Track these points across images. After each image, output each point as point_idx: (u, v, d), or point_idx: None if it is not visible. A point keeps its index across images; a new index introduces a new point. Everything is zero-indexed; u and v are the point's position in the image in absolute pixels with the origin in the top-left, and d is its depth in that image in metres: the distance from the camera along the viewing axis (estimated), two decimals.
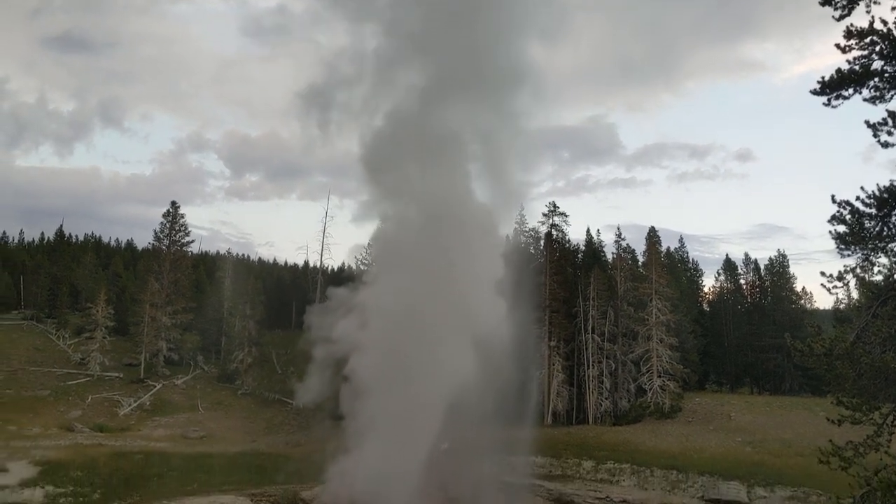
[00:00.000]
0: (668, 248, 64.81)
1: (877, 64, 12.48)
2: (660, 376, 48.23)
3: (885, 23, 12.09)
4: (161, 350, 56.16)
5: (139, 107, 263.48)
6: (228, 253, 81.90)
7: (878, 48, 12.33)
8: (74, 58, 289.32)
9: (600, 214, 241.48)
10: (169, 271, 57.39)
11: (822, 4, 12.44)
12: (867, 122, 12.48)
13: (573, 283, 52.89)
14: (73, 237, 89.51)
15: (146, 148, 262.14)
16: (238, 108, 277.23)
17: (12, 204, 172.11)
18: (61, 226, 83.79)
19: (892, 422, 12.66)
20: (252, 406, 52.92)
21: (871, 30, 12.19)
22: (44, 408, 46.43)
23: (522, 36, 31.11)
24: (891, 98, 12.49)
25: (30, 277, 71.43)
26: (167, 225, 59.06)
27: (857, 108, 13.02)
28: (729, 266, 66.97)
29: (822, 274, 13.07)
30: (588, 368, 50.53)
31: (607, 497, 31.65)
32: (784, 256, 64.53)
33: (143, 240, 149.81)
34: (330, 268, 68.54)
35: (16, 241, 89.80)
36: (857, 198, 12.72)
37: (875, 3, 12.08)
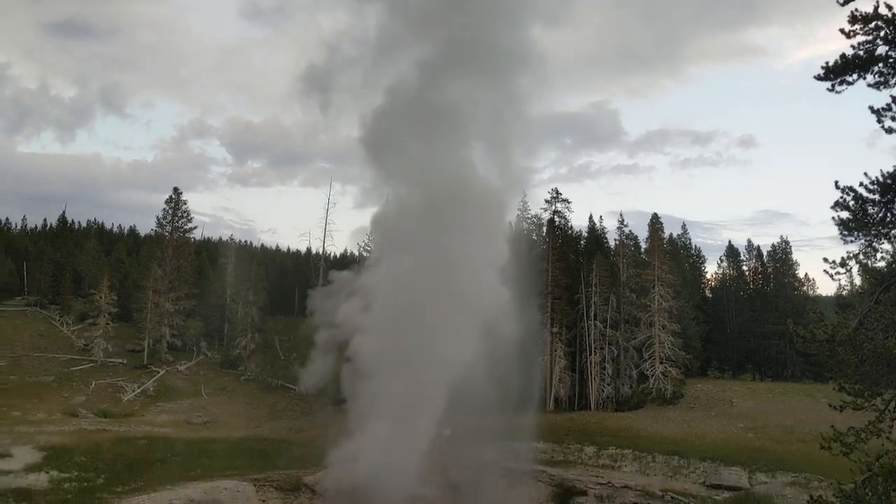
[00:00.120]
0: (670, 235, 64.84)
1: (881, 49, 12.41)
2: (662, 362, 48.30)
3: (889, 7, 12.00)
4: (164, 336, 56.34)
5: (141, 93, 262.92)
6: (231, 239, 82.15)
7: (882, 33, 12.25)
8: (76, 44, 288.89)
9: (603, 201, 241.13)
10: (172, 257, 57.46)
11: None
12: (871, 108, 12.43)
13: (575, 270, 52.91)
14: (76, 223, 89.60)
15: (148, 134, 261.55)
16: (239, 94, 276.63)
17: (15, 190, 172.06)
18: (64, 212, 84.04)
19: (894, 408, 12.67)
20: (255, 392, 53.12)
21: (876, 14, 12.11)
22: (48, 393, 46.64)
23: (526, 19, 30.93)
24: (895, 83, 12.43)
25: (33, 264, 71.53)
26: (170, 211, 59.11)
27: (862, 93, 12.95)
28: (731, 252, 66.89)
29: (825, 260, 13.02)
30: (590, 355, 50.63)
31: (609, 482, 31.71)
32: (787, 243, 64.52)
33: (146, 226, 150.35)
34: (332, 254, 68.51)
35: (19, 227, 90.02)
36: (861, 184, 12.67)
37: None
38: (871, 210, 12.69)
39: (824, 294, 71.50)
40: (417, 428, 27.00)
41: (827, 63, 12.76)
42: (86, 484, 28.12)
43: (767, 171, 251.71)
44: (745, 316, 62.06)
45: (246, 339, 57.28)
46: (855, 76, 12.67)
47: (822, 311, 16.11)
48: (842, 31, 12.50)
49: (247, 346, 56.99)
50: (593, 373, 50.16)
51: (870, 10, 12.08)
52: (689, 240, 69.08)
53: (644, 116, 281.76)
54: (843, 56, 12.61)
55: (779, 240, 65.85)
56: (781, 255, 64.30)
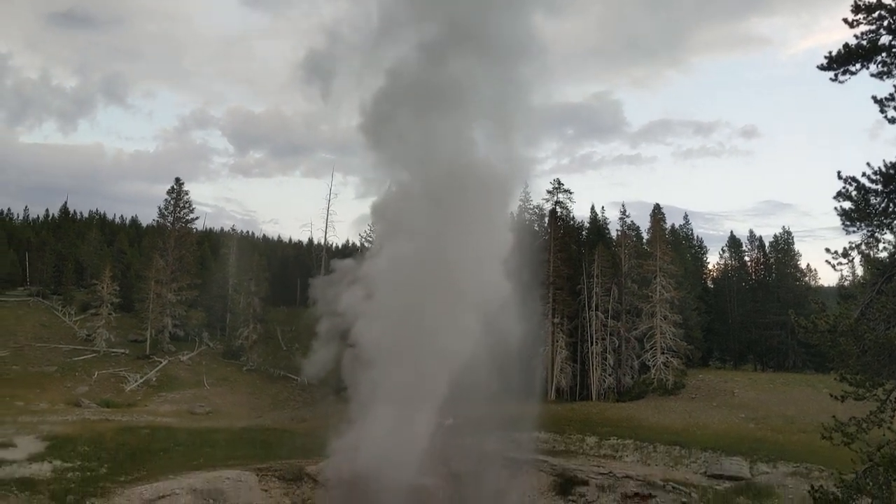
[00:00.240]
0: (672, 226, 64.67)
1: (885, 38, 12.37)
2: (663, 353, 48.34)
3: None
4: (166, 326, 56.46)
5: (142, 83, 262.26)
6: (233, 230, 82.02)
7: (886, 22, 12.21)
8: (77, 34, 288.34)
9: (605, 191, 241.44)
10: (174, 248, 57.48)
11: None
12: (874, 98, 12.39)
13: (577, 261, 52.89)
14: (78, 214, 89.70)
15: (150, 125, 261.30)
16: (241, 84, 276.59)
17: (17, 181, 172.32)
18: (66, 203, 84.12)
19: None
20: (257, 382, 53.25)
21: (880, 4, 12.07)
22: (50, 383, 46.77)
23: (527, 6, 30.74)
24: None
25: (35, 254, 71.65)
26: (171, 202, 59.07)
27: (865, 83, 12.92)
28: (733, 243, 66.86)
29: (827, 250, 13.01)
30: (592, 345, 50.68)
31: (610, 472, 31.78)
32: (789, 233, 64.50)
33: (148, 217, 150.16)
34: (334, 245, 68.66)
35: (21, 217, 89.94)
36: (864, 174, 12.64)
37: None
38: (873, 200, 12.66)
39: (826, 285, 71.54)
40: (419, 417, 27.04)
41: (830, 53, 12.74)
42: (89, 473, 28.26)
43: (770, 161, 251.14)
44: (746, 306, 62.10)
45: (248, 329, 57.35)
46: (858, 66, 12.64)
47: (823, 301, 16.11)
48: (845, 20, 12.46)
49: (249, 337, 57.07)
50: (595, 363, 50.21)
51: None
52: (691, 230, 69.11)
53: (646, 107, 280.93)
54: (846, 46, 12.57)
55: (781, 230, 65.84)
56: (783, 245, 64.28)
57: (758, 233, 74.13)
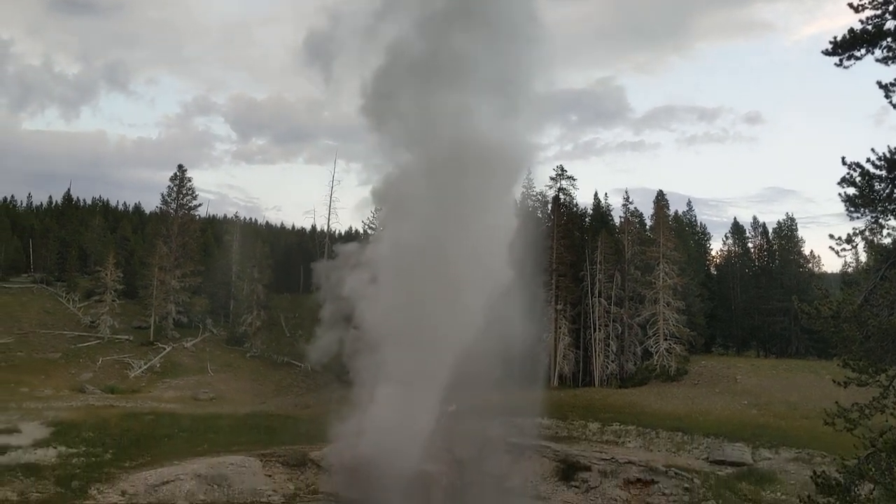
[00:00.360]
0: (675, 212, 64.39)
1: (890, 23, 12.28)
2: (666, 339, 48.37)
3: None
4: (170, 313, 56.53)
5: (144, 70, 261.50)
6: (236, 217, 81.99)
7: (891, 7, 12.13)
8: (80, 21, 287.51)
9: (608, 178, 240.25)
10: (177, 235, 57.47)
11: None
12: (879, 83, 12.32)
13: (580, 247, 52.88)
14: (81, 201, 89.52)
15: (152, 111, 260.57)
16: (243, 71, 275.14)
17: (20, 168, 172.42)
18: (69, 189, 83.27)
19: None
20: (261, 368, 53.38)
21: None
22: (55, 370, 46.94)
23: None
24: None
25: (39, 241, 71.68)
26: (174, 188, 59.01)
27: (870, 68, 12.84)
28: (737, 229, 66.66)
29: (831, 237, 12.97)
30: (595, 332, 50.75)
31: (613, 458, 31.90)
32: (792, 220, 64.22)
33: (151, 203, 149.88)
34: (337, 231, 68.59)
35: (24, 204, 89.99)
36: (868, 160, 12.58)
37: None
38: (877, 186, 12.62)
39: (829, 271, 71.53)
40: (422, 401, 27.10)
41: (835, 38, 12.66)
42: (93, 459, 28.44)
43: (773, 147, 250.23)
44: (749, 293, 62.02)
45: (251, 315, 57.44)
46: (863, 51, 12.56)
47: (827, 287, 16.15)
48: (850, 5, 12.39)
49: (252, 323, 57.15)
50: (597, 349, 50.29)
51: None
52: (695, 217, 68.83)
53: (650, 93, 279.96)
54: (851, 30, 12.49)
55: (784, 217, 65.76)
56: (787, 232, 64.09)
57: (761, 219, 74.35)
